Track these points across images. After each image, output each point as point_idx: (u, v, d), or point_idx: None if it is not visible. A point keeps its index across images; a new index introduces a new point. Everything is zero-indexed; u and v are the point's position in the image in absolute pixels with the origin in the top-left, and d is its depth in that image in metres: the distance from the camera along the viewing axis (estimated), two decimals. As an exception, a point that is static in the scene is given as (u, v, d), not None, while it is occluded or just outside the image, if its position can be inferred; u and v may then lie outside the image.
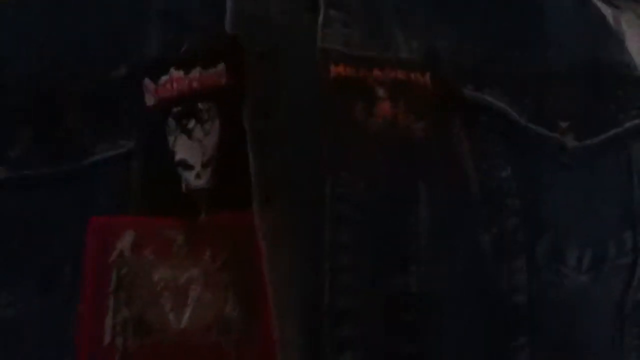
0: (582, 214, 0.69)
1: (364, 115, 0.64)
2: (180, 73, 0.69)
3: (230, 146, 0.65)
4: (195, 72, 0.70)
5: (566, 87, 0.72)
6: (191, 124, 0.70)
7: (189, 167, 0.67)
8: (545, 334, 0.65)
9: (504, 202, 0.67)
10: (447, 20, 0.70)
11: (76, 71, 0.72)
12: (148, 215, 0.65)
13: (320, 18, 0.65)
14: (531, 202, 0.67)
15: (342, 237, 0.62)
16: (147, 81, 0.69)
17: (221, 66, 0.69)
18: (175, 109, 0.68)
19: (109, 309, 0.62)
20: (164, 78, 0.68)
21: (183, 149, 0.67)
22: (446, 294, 0.63)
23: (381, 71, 0.65)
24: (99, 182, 0.67)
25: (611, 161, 0.71)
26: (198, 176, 0.66)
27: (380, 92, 0.66)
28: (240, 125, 0.65)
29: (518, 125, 0.70)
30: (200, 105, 0.69)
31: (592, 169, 0.71)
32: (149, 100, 0.69)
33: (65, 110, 0.72)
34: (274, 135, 0.67)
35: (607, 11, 0.76)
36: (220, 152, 0.65)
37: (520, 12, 0.73)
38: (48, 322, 0.65)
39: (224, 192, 0.65)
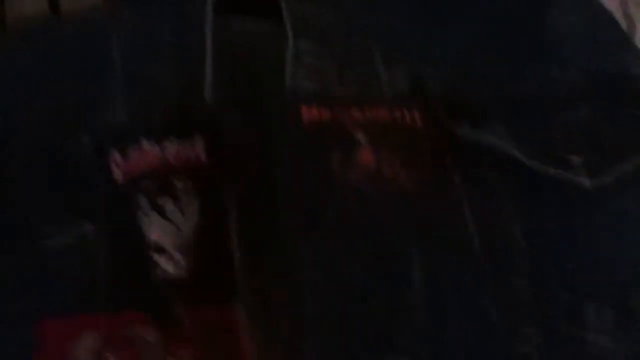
0: (603, 264, 0.59)
1: (343, 166, 0.57)
2: (152, 144, 0.62)
3: (211, 230, 0.59)
4: (169, 144, 0.62)
5: (576, 111, 0.63)
6: (165, 202, 0.63)
7: (163, 252, 0.61)
8: None
9: (512, 260, 0.58)
10: (436, 43, 0.61)
11: (44, 135, 0.63)
12: (114, 312, 0.58)
13: (289, 50, 0.59)
14: (542, 257, 0.58)
15: (320, 314, 0.56)
16: (113, 153, 0.62)
17: (199, 139, 0.61)
18: (145, 184, 0.62)
19: None
20: (132, 149, 0.62)
21: (156, 230, 0.61)
22: None
23: (360, 111, 0.58)
24: (54, 273, 0.60)
25: (632, 199, 0.61)
26: (174, 263, 0.61)
27: (360, 136, 0.58)
28: (221, 207, 0.58)
29: (524, 166, 0.59)
30: (175, 182, 0.62)
31: (612, 211, 0.61)
32: (117, 175, 0.63)
33: (18, 180, 0.62)
34: (260, 217, 0.60)
35: (622, 22, 0.68)
36: (200, 237, 0.59)
37: (520, 28, 0.65)
38: None
39: (204, 282, 0.59)
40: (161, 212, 0.62)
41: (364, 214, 0.58)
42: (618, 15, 0.70)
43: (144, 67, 0.64)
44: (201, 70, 0.62)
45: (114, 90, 0.64)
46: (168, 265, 0.61)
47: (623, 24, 0.70)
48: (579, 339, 0.57)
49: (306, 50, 0.60)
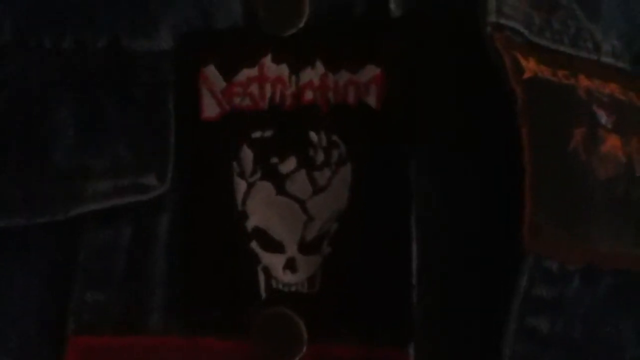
0: None
1: (588, 151, 0.40)
2: (282, 67, 0.41)
3: (371, 222, 0.40)
4: (318, 73, 0.41)
5: None
6: (286, 161, 0.41)
7: (276, 247, 0.41)
8: None
9: None
10: None
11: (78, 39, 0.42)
12: (185, 335, 0.40)
13: None
14: None
15: None
16: (208, 69, 0.40)
17: (373, 70, 0.41)
18: (259, 133, 0.41)
19: None
20: (247, 71, 0.41)
21: (265, 210, 0.41)
22: None
23: (589, 80, 0.42)
24: (88, 257, 0.41)
25: None
26: (291, 266, 0.41)
27: (602, 116, 0.41)
28: (403, 183, 0.40)
29: None
30: (310, 131, 0.41)
31: None
32: (208, 106, 0.41)
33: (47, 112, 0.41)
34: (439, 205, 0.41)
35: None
36: (348, 231, 0.40)
37: None
38: None
39: (351, 307, 0.40)
40: (275, 179, 0.40)
41: (619, 222, 0.41)
42: None
43: None
44: None
45: None
46: (282, 272, 0.40)
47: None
48: None
49: None
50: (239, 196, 0.41)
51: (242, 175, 0.40)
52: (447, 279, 0.40)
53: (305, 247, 0.40)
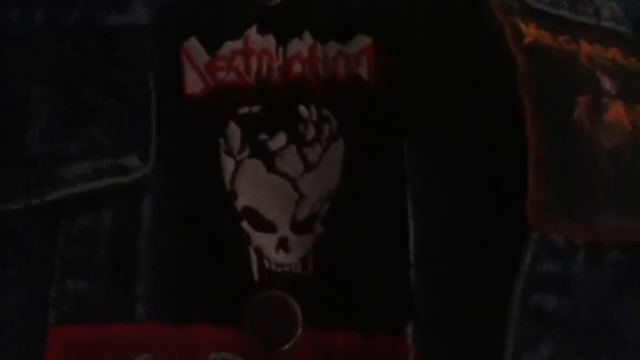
0: None
1: (592, 120, 0.39)
2: (268, 39, 0.39)
3: (366, 201, 0.39)
4: (301, 42, 0.40)
5: None
6: (275, 138, 0.39)
7: (267, 227, 0.39)
8: None
9: None
10: None
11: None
12: (171, 322, 0.38)
13: None
14: None
15: None
16: (191, 43, 0.39)
17: (363, 39, 0.39)
18: (247, 109, 0.39)
19: None
20: (231, 44, 0.39)
21: (255, 189, 0.39)
22: None
23: (590, 45, 0.41)
24: (67, 244, 0.39)
25: None
26: (284, 246, 0.39)
27: (606, 82, 0.40)
28: (394, 164, 0.39)
29: None
30: (299, 106, 0.39)
31: None
32: (192, 82, 0.39)
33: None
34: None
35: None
36: (337, 206, 0.39)
37: None
38: None
39: (346, 290, 0.38)
40: (264, 156, 0.39)
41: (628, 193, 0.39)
42: None
43: None
44: None
45: None
46: (275, 252, 0.39)
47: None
48: None
49: None
50: (227, 175, 0.39)
51: (229, 153, 0.39)
52: (447, 258, 0.38)
53: (298, 227, 0.39)
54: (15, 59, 0.39)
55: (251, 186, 0.39)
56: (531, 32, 0.39)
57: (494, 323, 0.37)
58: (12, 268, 0.38)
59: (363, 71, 0.39)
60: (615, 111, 0.40)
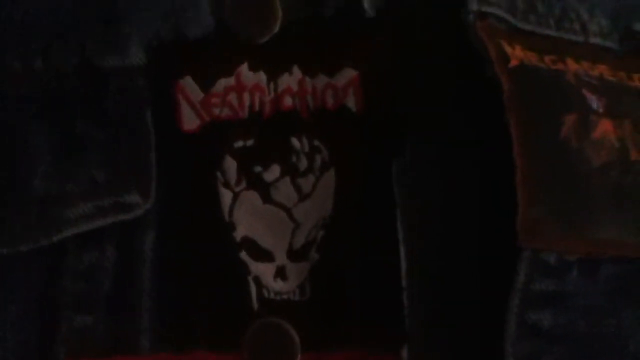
0: None
1: (579, 137, 0.39)
2: (259, 75, 0.40)
3: (357, 227, 0.40)
4: (295, 78, 0.40)
5: None
6: (269, 170, 0.40)
7: (265, 256, 0.40)
8: None
9: None
10: None
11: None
12: (173, 351, 0.39)
13: None
14: None
15: None
16: (184, 80, 0.40)
17: (350, 73, 0.40)
18: (236, 138, 0.40)
19: None
20: (224, 80, 0.40)
21: (252, 219, 0.40)
22: None
23: (577, 63, 0.41)
24: (73, 281, 0.40)
25: None
26: (281, 274, 0.40)
27: (593, 100, 0.40)
28: (383, 189, 0.39)
29: None
30: (292, 138, 0.40)
31: None
32: (187, 118, 0.40)
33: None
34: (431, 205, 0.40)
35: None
36: (331, 233, 0.40)
37: None
38: None
39: (336, 312, 0.39)
40: (260, 188, 0.40)
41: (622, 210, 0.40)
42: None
43: None
44: None
45: None
46: (273, 281, 0.40)
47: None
48: None
49: None
50: (226, 207, 0.40)
51: (227, 185, 0.40)
52: (441, 280, 0.39)
53: (294, 255, 0.40)
54: (19, 105, 0.40)
55: (248, 217, 0.40)
56: (517, 54, 0.40)
57: (492, 340, 0.38)
58: (14, 304, 0.39)
59: (351, 102, 0.40)
60: (603, 128, 0.40)
